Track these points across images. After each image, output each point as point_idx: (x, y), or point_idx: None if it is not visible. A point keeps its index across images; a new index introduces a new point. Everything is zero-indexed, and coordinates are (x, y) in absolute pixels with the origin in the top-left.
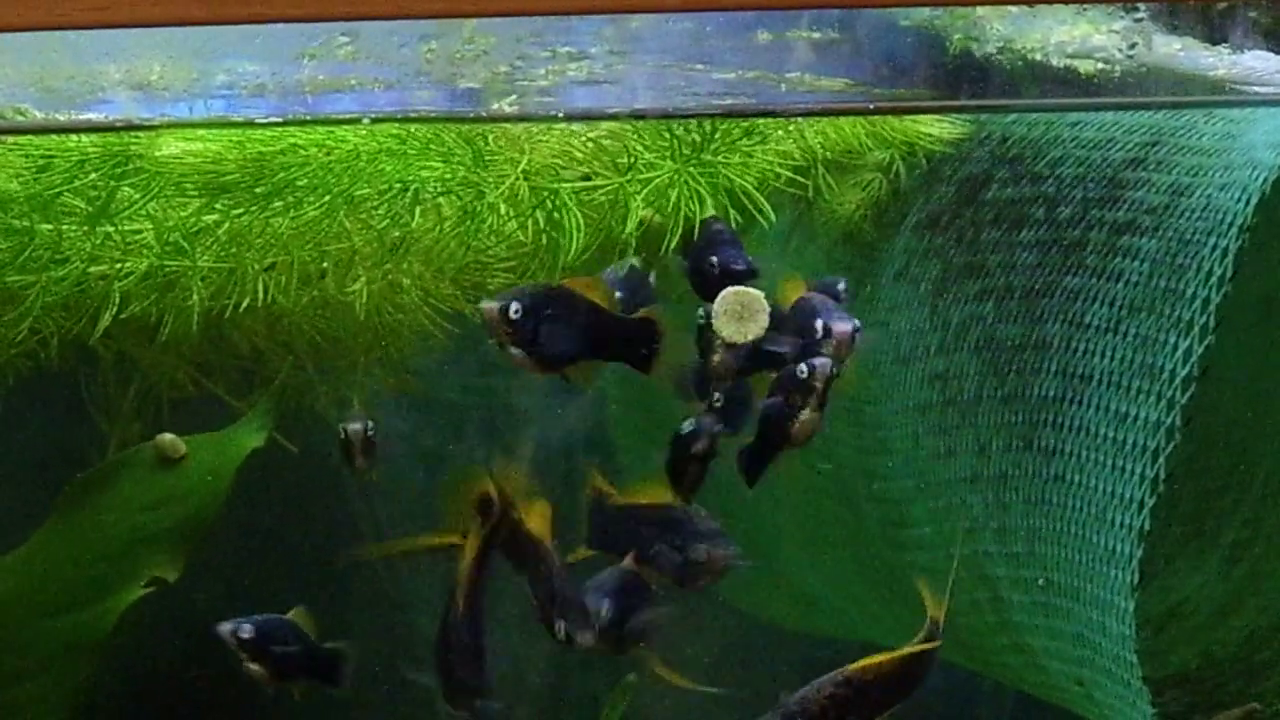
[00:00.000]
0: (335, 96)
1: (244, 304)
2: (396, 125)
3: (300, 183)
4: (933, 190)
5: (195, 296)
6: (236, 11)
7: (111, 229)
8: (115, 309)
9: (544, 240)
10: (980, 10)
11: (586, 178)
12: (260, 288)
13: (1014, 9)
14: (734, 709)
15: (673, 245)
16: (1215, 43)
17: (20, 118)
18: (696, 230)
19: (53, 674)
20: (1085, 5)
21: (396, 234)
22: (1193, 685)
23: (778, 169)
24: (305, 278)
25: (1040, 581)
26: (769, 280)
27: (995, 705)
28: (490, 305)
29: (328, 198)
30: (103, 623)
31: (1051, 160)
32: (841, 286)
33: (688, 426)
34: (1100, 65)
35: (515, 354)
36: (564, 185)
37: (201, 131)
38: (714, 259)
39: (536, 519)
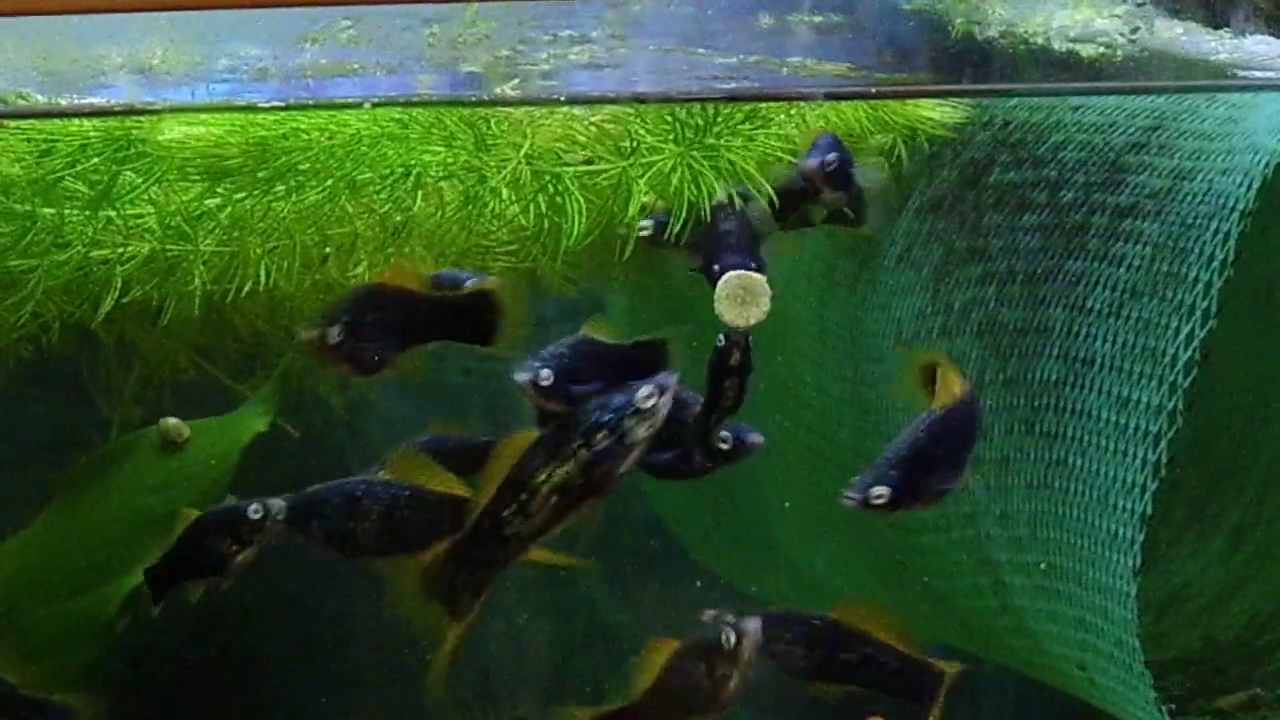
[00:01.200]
0: (337, 81)
1: (246, 288)
2: (398, 109)
3: (302, 167)
4: (934, 174)
5: (197, 281)
6: None
7: (113, 213)
8: (117, 293)
9: (546, 224)
10: None
11: (589, 162)
12: (262, 272)
13: None
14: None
15: (677, 233)
16: (1217, 27)
17: (22, 102)
18: (708, 218)
19: (57, 657)
20: None
21: (398, 218)
22: (1195, 669)
23: (780, 153)
24: (307, 262)
25: (1042, 566)
26: None
27: (998, 688)
28: (310, 334)
29: (330, 182)
30: (107, 606)
31: (1053, 144)
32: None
33: (720, 341)
34: (1102, 49)
35: (341, 368)
36: (566, 169)
37: (204, 116)
38: (716, 266)
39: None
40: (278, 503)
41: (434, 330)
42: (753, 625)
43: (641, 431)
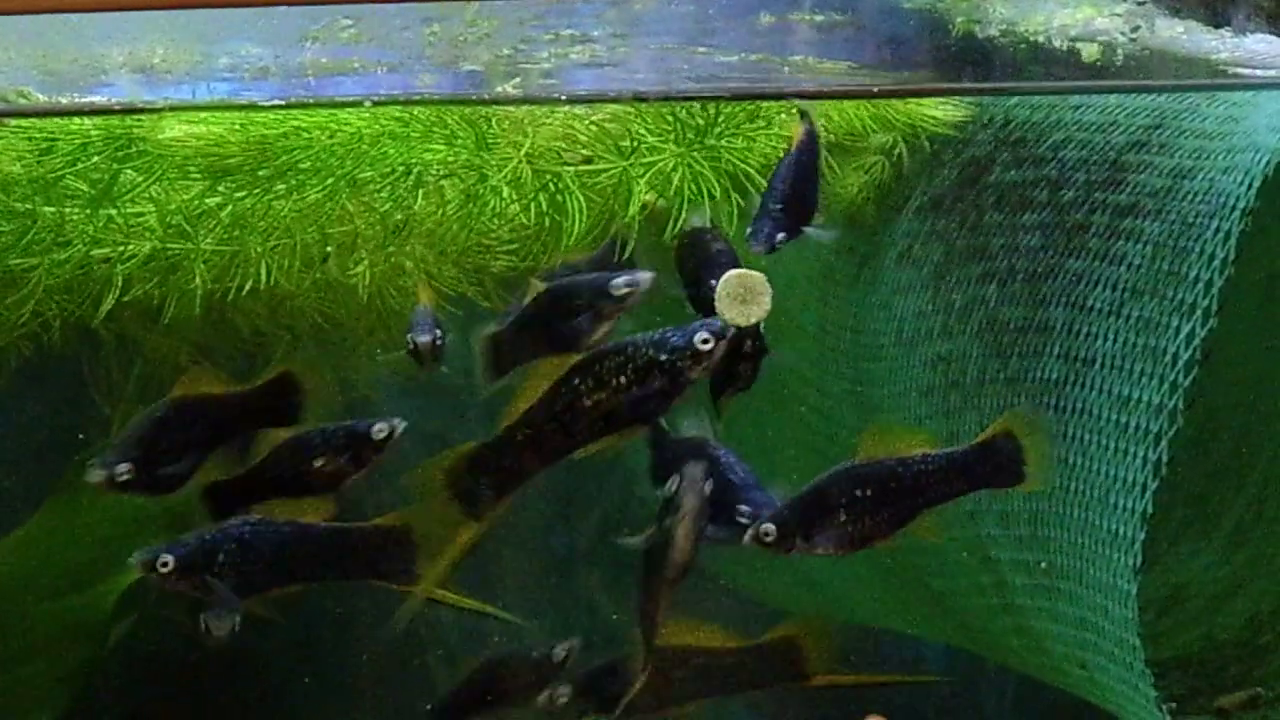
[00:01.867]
0: (338, 79)
1: (246, 287)
2: (399, 108)
3: (303, 166)
4: (935, 173)
5: (198, 279)
6: None
7: (114, 212)
8: (118, 292)
9: (546, 223)
10: None
11: (588, 161)
12: (263, 270)
13: None
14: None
15: (676, 231)
16: (1218, 26)
17: (23, 100)
18: (689, 241)
19: (52, 656)
20: None
21: (399, 217)
22: (1195, 668)
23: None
24: (308, 260)
25: (1043, 565)
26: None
27: (998, 687)
28: (97, 476)
29: (330, 181)
30: (101, 605)
31: (1054, 143)
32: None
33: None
34: (1103, 48)
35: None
36: (567, 169)
37: (204, 114)
38: (712, 283)
39: None
40: (401, 423)
41: (237, 426)
42: (694, 470)
43: (695, 374)
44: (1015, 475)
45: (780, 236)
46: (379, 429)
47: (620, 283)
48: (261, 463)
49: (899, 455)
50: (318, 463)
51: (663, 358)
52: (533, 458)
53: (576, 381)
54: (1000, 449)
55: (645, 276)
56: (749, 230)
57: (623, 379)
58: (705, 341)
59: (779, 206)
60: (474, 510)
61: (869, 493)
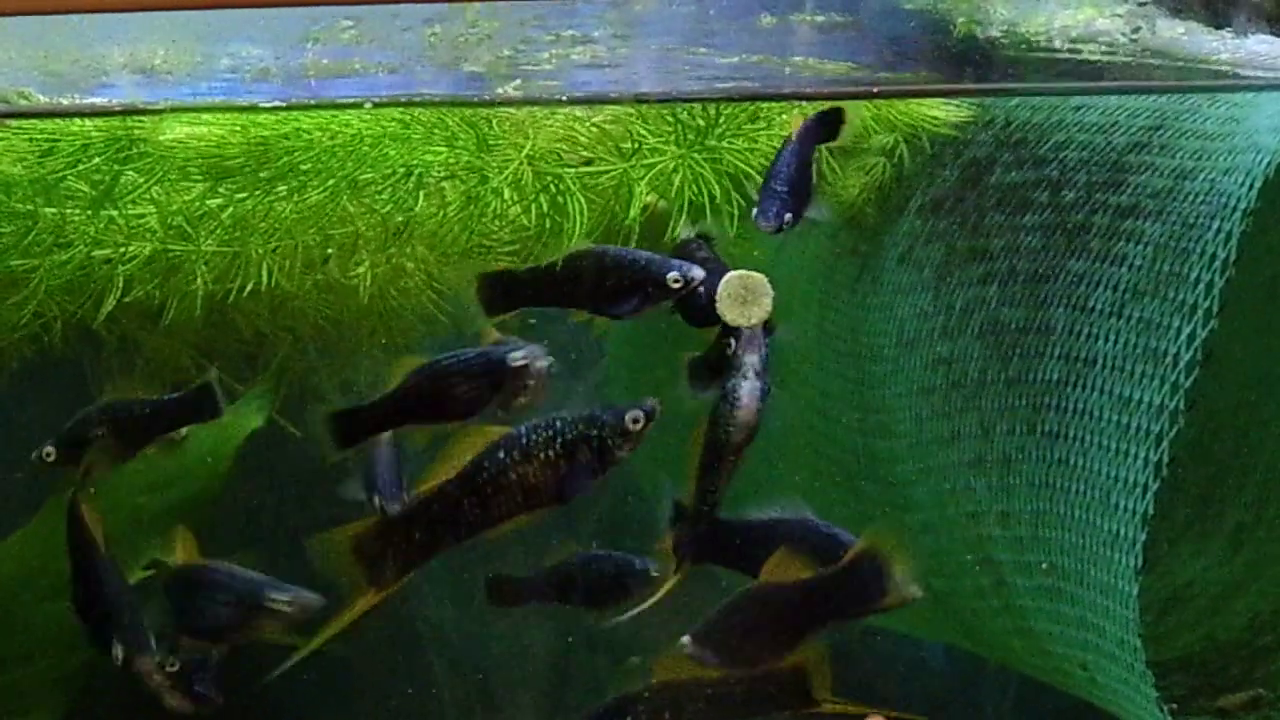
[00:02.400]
0: (339, 81)
1: (248, 288)
2: (400, 109)
3: (304, 167)
4: (936, 174)
5: (199, 280)
6: None
7: (115, 213)
8: (119, 293)
9: (547, 224)
10: None
11: (587, 162)
12: (264, 272)
13: None
14: None
15: (676, 232)
16: (1219, 27)
17: (24, 102)
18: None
19: (53, 657)
20: None
21: (400, 218)
22: (1196, 669)
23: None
24: (309, 262)
25: (1044, 565)
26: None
27: (999, 688)
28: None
29: (331, 182)
30: None
31: (1055, 144)
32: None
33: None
34: (1104, 49)
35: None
36: (567, 170)
37: (205, 116)
38: (702, 289)
39: None
40: (538, 350)
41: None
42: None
43: (622, 453)
44: (880, 593)
45: (787, 217)
46: (516, 356)
47: (676, 275)
48: (396, 389)
49: (791, 580)
50: (458, 389)
51: (593, 434)
52: (444, 533)
53: (501, 455)
54: (863, 568)
55: (699, 273)
56: (755, 210)
57: (550, 454)
58: (636, 421)
59: (784, 188)
60: (377, 580)
61: (765, 615)
